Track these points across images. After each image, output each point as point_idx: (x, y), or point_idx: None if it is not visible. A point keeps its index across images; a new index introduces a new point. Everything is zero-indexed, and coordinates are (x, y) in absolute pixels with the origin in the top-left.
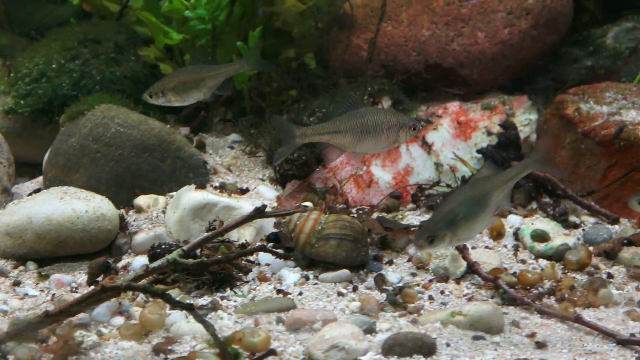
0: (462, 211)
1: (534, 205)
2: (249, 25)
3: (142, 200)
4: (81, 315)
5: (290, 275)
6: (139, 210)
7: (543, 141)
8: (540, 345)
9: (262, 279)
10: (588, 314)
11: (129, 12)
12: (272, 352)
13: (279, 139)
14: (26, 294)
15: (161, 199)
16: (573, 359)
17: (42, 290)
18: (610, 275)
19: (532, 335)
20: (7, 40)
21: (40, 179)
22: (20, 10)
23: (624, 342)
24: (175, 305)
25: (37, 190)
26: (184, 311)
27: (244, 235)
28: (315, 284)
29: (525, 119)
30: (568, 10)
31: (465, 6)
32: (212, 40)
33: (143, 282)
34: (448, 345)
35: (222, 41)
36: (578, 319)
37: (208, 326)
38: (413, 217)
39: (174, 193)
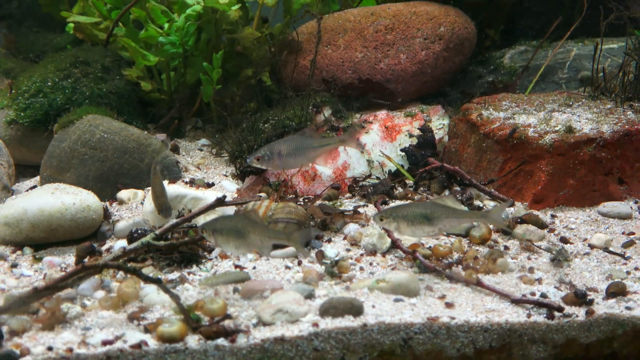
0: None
1: (447, 192)
2: (214, 49)
3: (123, 194)
4: (68, 290)
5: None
6: (121, 202)
7: None
8: (449, 305)
9: (223, 256)
10: (488, 279)
11: (115, 39)
12: (228, 317)
13: (238, 142)
14: (22, 274)
15: (140, 192)
16: (475, 315)
17: (36, 271)
18: (506, 248)
19: (442, 297)
20: (14, 64)
21: (38, 178)
22: (25, 39)
23: (517, 302)
24: (146, 279)
25: (33, 187)
26: (154, 284)
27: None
28: (267, 259)
29: (440, 124)
30: (472, 36)
31: (390, 33)
32: (183, 62)
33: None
34: (374, 307)
35: (191, 63)
36: (479, 283)
37: (173, 296)
38: (349, 204)
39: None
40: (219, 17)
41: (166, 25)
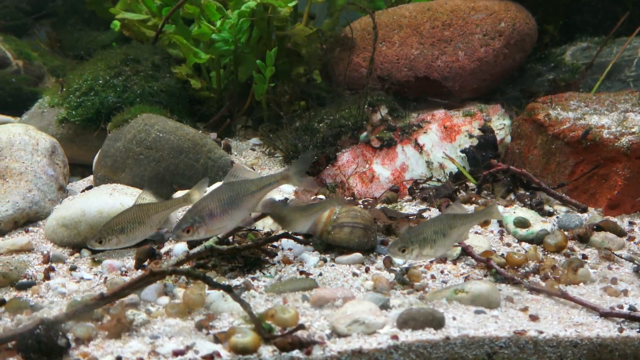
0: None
1: (512, 196)
2: (265, 46)
3: (179, 194)
4: (131, 295)
5: (311, 258)
6: None
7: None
8: (534, 318)
9: (286, 261)
10: (571, 290)
11: (162, 37)
12: (302, 327)
13: (294, 143)
14: (82, 278)
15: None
16: (563, 329)
17: (95, 274)
18: (584, 256)
19: (525, 309)
20: (59, 62)
21: (91, 177)
22: (69, 36)
23: (607, 315)
24: (216, 286)
25: (89, 188)
26: (222, 291)
27: (267, 224)
28: (332, 265)
29: (500, 124)
30: (533, 32)
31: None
32: (234, 59)
33: (185, 266)
34: (454, 319)
35: (242, 60)
36: (565, 295)
37: (245, 305)
38: (410, 207)
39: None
40: (270, 14)
41: (218, 22)
